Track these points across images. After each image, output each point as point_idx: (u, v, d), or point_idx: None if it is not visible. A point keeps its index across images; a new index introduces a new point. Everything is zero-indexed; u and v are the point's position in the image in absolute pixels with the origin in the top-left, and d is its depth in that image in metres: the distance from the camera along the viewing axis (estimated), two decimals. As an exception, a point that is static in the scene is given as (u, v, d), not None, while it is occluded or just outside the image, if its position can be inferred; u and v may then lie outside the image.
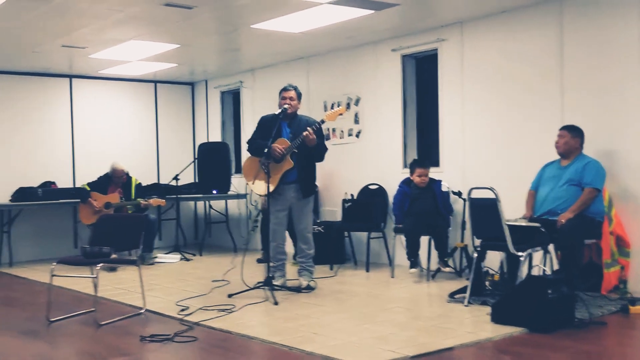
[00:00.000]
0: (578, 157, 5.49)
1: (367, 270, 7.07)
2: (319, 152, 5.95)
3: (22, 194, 8.43)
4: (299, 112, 6.09)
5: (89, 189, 8.13)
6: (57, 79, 9.27)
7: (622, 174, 5.62)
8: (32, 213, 8.73)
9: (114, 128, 9.69)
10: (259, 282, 5.89)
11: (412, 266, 6.37)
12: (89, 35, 6.98)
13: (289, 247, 6.47)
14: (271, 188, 5.84)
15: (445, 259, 6.36)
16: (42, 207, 8.57)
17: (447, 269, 6.34)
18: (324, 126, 6.13)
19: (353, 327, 4.65)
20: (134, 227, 5.62)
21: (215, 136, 10.12)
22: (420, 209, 6.47)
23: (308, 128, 5.74)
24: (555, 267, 5.38)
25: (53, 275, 5.15)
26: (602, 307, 4.94)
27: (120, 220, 5.99)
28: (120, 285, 6.56)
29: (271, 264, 5.97)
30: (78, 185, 8.96)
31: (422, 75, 7.59)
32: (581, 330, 4.43)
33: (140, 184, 8.44)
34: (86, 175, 8.82)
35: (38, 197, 8.41)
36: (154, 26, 6.67)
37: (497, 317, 4.62)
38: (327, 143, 6.28)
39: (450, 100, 6.99)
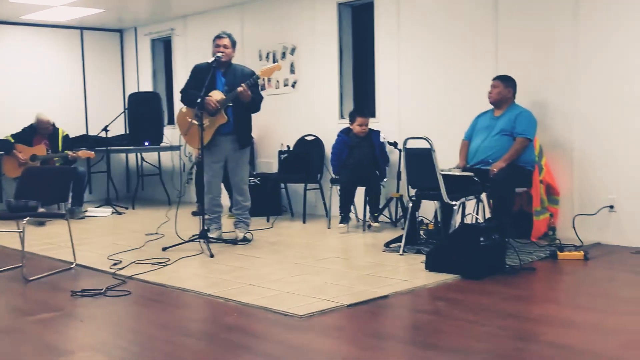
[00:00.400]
0: (510, 107, 5.57)
1: (304, 222, 7.08)
2: (255, 103, 5.84)
3: (-62, 145, 8.01)
4: (233, 61, 5.94)
5: (13, 140, 7.79)
6: (-25, 25, 8.76)
7: (552, 124, 5.74)
8: (-49, 165, 8.32)
9: (38, 77, 9.26)
10: (194, 235, 5.80)
11: (342, 221, 6.34)
12: (8, -23, 6.59)
13: (224, 199, 6.38)
14: (206, 140, 5.71)
15: (376, 214, 6.37)
16: (-39, 159, 8.17)
17: (376, 224, 6.32)
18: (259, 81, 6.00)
19: (289, 278, 4.65)
20: (62, 180, 5.42)
21: (146, 86, 9.81)
22: (357, 160, 6.44)
23: (242, 84, 5.61)
24: (488, 215, 5.49)
25: (-24, 231, 4.93)
26: (532, 254, 5.09)
27: (47, 172, 5.78)
28: (48, 240, 6.35)
29: (206, 217, 5.89)
30: (1, 137, 8.56)
31: (359, 24, 7.51)
32: (512, 276, 4.56)
33: (67, 135, 8.14)
34: (9, 127, 8.40)
35: (-44, 149, 8.01)
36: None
37: (431, 265, 4.70)
38: (262, 93, 6.16)
39: (386, 50, 6.95)
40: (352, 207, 6.54)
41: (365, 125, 6.49)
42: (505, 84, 5.58)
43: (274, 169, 7.86)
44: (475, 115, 5.82)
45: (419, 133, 5.47)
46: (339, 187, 6.57)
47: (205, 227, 5.71)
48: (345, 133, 6.63)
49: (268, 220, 7.17)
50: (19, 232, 4.95)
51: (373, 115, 6.97)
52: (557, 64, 5.70)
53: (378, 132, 6.63)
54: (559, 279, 4.70)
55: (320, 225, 6.87)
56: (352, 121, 6.55)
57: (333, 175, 6.72)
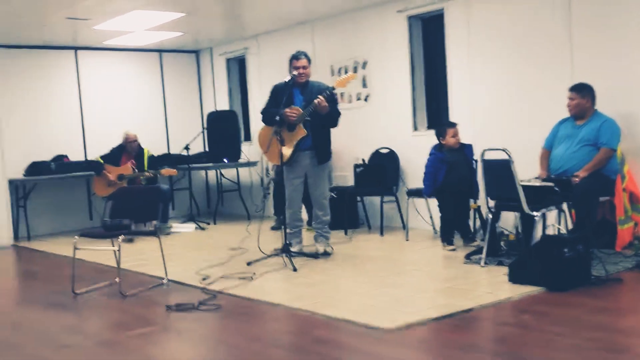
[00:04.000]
0: (593, 116, 5.49)
1: (382, 234, 7.15)
2: (332, 118, 5.96)
3: (35, 168, 8.50)
4: (310, 79, 6.10)
5: (102, 161, 8.20)
6: (63, 52, 9.24)
7: (634, 132, 5.63)
8: (46, 187, 8.80)
9: (121, 99, 9.69)
10: (276, 249, 5.97)
11: (450, 243, 6.12)
12: (92, 7, 6.95)
13: (304, 213, 6.53)
14: (286, 157, 5.88)
15: (470, 236, 6.24)
16: (55, 180, 8.64)
17: (475, 244, 6.08)
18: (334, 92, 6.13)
19: (372, 290, 4.74)
20: (152, 199, 5.71)
21: (223, 104, 10.12)
22: (458, 179, 6.13)
23: (319, 96, 5.76)
24: (570, 226, 5.43)
25: (76, 249, 5.24)
26: (618, 264, 5.01)
27: (137, 192, 6.07)
28: (140, 256, 6.66)
29: (288, 231, 6.04)
30: (90, 157, 9.01)
31: (429, 36, 7.56)
32: (598, 287, 4.51)
33: (152, 155, 8.51)
34: (97, 148, 8.87)
35: (51, 171, 8.48)
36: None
37: (515, 277, 4.69)
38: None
39: (458, 61, 6.97)
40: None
41: (458, 134, 6.26)
42: (582, 94, 5.52)
43: (350, 182, 7.97)
44: (552, 124, 5.77)
45: (495, 143, 5.47)
46: (440, 214, 6.30)
47: (288, 242, 5.87)
48: (437, 150, 6.32)
49: (346, 234, 7.28)
50: (115, 249, 5.23)
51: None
52: (635, 68, 5.60)
53: (470, 145, 6.35)
54: (647, 289, 4.62)
55: (398, 237, 6.94)
56: (442, 135, 6.26)
57: (426, 197, 6.48)
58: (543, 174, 5.57)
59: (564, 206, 5.35)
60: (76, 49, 9.32)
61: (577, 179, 5.20)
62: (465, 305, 4.20)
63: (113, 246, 5.35)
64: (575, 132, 5.50)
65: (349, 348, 3.66)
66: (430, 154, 6.36)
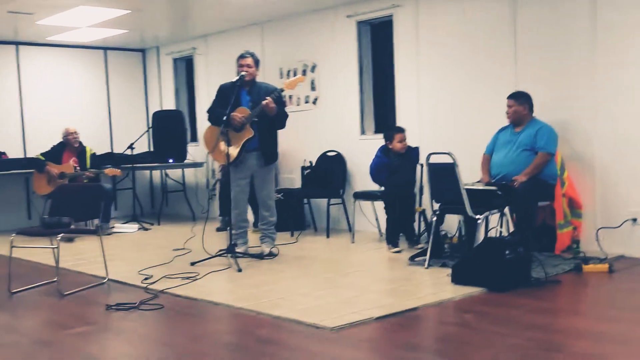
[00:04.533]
0: (530, 123, 5.65)
1: (328, 236, 7.16)
2: (280, 119, 5.96)
3: (-29, 164, 8.21)
4: (257, 79, 6.07)
5: (43, 158, 7.98)
6: (3, 46, 8.97)
7: (573, 138, 5.81)
8: (-18, 184, 8.52)
9: (64, 96, 9.46)
10: (221, 250, 5.91)
11: (395, 245, 6.16)
12: (35, 0, 6.77)
13: (250, 214, 6.49)
14: (232, 157, 5.83)
15: (415, 238, 6.32)
16: (-8, 177, 8.37)
17: (419, 246, 6.14)
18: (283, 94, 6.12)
19: (317, 291, 4.74)
20: (93, 197, 5.58)
21: (169, 104, 9.98)
22: (400, 182, 6.22)
23: (267, 97, 5.74)
24: (511, 229, 5.55)
25: (13, 247, 5.07)
26: (557, 266, 5.14)
27: (78, 190, 5.92)
28: (79, 255, 6.49)
29: (233, 232, 5.99)
30: (29, 155, 8.75)
31: (378, 42, 7.63)
32: (538, 288, 4.61)
33: (94, 153, 8.32)
34: (37, 145, 8.63)
35: (-12, 168, 8.20)
36: (105, -9, 6.51)
37: (457, 278, 4.76)
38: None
39: (406, 66, 7.06)
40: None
41: (405, 140, 6.31)
42: (519, 102, 5.67)
43: (297, 184, 7.97)
44: (495, 130, 5.90)
45: (440, 148, 5.57)
46: (386, 215, 6.29)
47: (233, 242, 5.81)
48: (383, 153, 6.37)
49: (292, 235, 7.27)
50: (54, 247, 5.08)
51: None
52: (576, 79, 5.78)
53: (417, 148, 6.42)
54: (585, 291, 4.75)
55: (344, 239, 6.96)
56: (389, 139, 6.31)
57: (380, 188, 6.51)
58: (485, 178, 5.68)
59: (506, 210, 5.47)
60: (17, 44, 9.06)
61: (516, 183, 5.32)
62: (409, 305, 4.23)
63: (52, 244, 5.19)
64: (513, 138, 5.65)
65: (293, 347, 3.64)
66: (375, 156, 6.42)
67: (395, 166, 6.27)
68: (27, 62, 9.17)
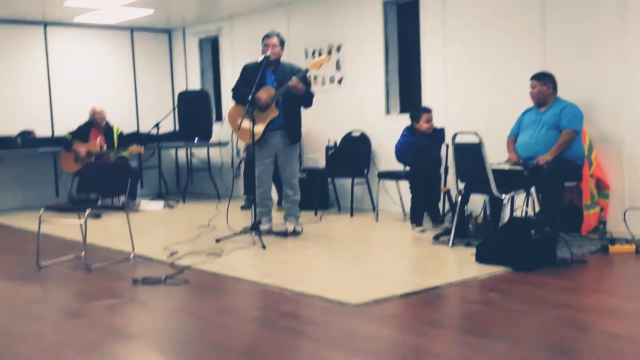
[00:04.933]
0: (554, 103, 5.59)
1: (352, 215, 7.17)
2: (307, 99, 5.96)
3: (1, 142, 8.32)
4: (282, 60, 6.07)
5: (70, 137, 8.08)
6: (31, 27, 9.06)
7: (602, 119, 5.72)
8: (12, 162, 8.64)
9: (91, 76, 9.54)
10: (245, 227, 5.94)
11: (419, 224, 6.20)
12: (64, -20, 6.83)
13: (273, 193, 6.51)
14: (257, 136, 5.85)
15: (439, 218, 6.30)
16: (21, 155, 8.49)
17: (444, 226, 6.15)
18: (308, 75, 6.11)
19: (341, 268, 4.76)
20: (120, 175, 5.63)
21: (194, 84, 10.02)
22: (426, 162, 6.20)
23: (293, 77, 5.74)
24: (537, 209, 5.50)
25: (41, 222, 5.15)
26: (583, 247, 5.09)
27: (106, 167, 6.00)
28: (106, 231, 6.58)
29: (258, 210, 6.02)
30: (57, 133, 8.86)
31: (404, 22, 7.57)
32: (563, 268, 4.57)
33: (122, 132, 8.41)
34: (65, 124, 8.73)
35: (17, 146, 8.31)
36: (133, -30, 6.54)
37: (482, 257, 4.74)
38: (309, 90, 6.27)
39: (432, 47, 6.99)
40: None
41: (432, 120, 6.29)
42: (543, 82, 5.60)
43: (321, 164, 7.98)
44: (521, 110, 5.84)
45: (466, 128, 5.52)
46: (411, 194, 6.29)
47: (257, 220, 5.85)
48: (410, 133, 6.33)
49: (316, 214, 7.28)
50: (81, 223, 5.15)
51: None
52: (605, 58, 5.67)
53: (442, 129, 6.39)
54: (611, 271, 4.70)
55: (368, 218, 6.96)
56: (416, 119, 6.27)
57: (405, 168, 6.48)
58: (513, 156, 5.63)
59: (532, 190, 5.42)
60: (45, 24, 9.14)
61: (541, 161, 5.28)
62: (433, 283, 4.23)
63: (79, 220, 5.27)
64: (538, 118, 5.59)
65: (317, 322, 3.67)
66: (401, 136, 6.38)
67: (422, 146, 6.24)
68: (54, 42, 9.25)
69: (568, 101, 5.56)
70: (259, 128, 5.88)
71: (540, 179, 5.28)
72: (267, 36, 5.97)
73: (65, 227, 6.15)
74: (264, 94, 5.82)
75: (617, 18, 5.57)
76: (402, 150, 6.33)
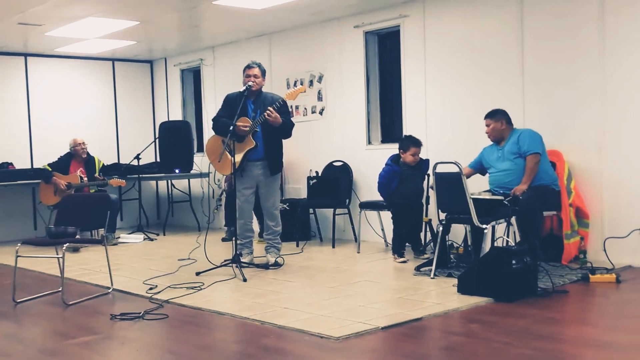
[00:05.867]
0: (511, 134, 5.68)
1: (333, 246, 7.15)
2: (286, 129, 5.95)
3: (-22, 175, 8.23)
4: (263, 89, 6.08)
5: (50, 169, 8.01)
6: (12, 58, 9.04)
7: (579, 147, 5.78)
8: (-11, 194, 8.55)
9: (72, 107, 9.52)
10: (226, 260, 5.89)
11: (400, 256, 6.15)
12: (45, 12, 6.82)
13: (254, 224, 6.47)
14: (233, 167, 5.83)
15: (421, 249, 6.30)
16: (-1, 188, 8.41)
17: (426, 256, 6.17)
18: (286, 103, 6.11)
19: (323, 301, 4.71)
20: (99, 207, 5.58)
21: (176, 115, 10.01)
22: (409, 192, 6.19)
23: (269, 108, 5.75)
24: (518, 238, 5.51)
25: (18, 256, 5.07)
26: (564, 277, 5.10)
27: (84, 200, 5.92)
28: (84, 265, 6.49)
29: (238, 242, 5.98)
30: (36, 165, 8.78)
31: (385, 52, 7.64)
32: (545, 298, 4.57)
33: (104, 164, 8.36)
34: (44, 156, 8.68)
35: (-5, 178, 8.22)
36: (112, 3, 6.54)
37: (463, 288, 4.73)
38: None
39: (413, 77, 7.05)
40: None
41: (418, 154, 6.26)
42: (495, 119, 5.69)
43: (303, 194, 7.96)
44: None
45: (447, 157, 5.55)
46: (393, 225, 6.29)
47: (238, 252, 5.80)
48: (394, 162, 6.32)
49: (298, 245, 7.25)
50: (59, 257, 5.08)
51: (397, 141, 6.97)
52: (585, 90, 5.75)
53: (427, 160, 6.35)
54: (592, 301, 4.71)
55: (350, 249, 6.93)
56: (404, 150, 6.24)
57: (384, 202, 6.42)
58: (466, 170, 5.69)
59: (513, 219, 5.44)
60: (26, 55, 9.12)
61: (517, 192, 5.31)
62: (414, 315, 4.20)
63: (57, 254, 5.19)
64: (500, 153, 5.67)
65: (299, 356, 3.62)
66: (386, 164, 6.35)
67: (405, 175, 6.23)
68: (35, 73, 9.23)
69: (523, 128, 5.69)
70: (237, 158, 5.86)
71: (519, 208, 5.30)
72: (248, 67, 5.99)
73: (43, 261, 6.06)
74: (241, 124, 5.81)
75: (597, 50, 5.66)
76: (386, 179, 6.28)
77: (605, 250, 5.52)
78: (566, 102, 5.87)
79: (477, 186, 5.76)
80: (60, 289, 5.10)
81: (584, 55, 5.75)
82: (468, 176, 5.80)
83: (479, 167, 5.87)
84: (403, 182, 6.22)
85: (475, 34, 6.49)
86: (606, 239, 5.56)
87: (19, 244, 5.13)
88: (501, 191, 5.54)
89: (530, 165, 5.44)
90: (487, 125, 5.72)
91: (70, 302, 4.92)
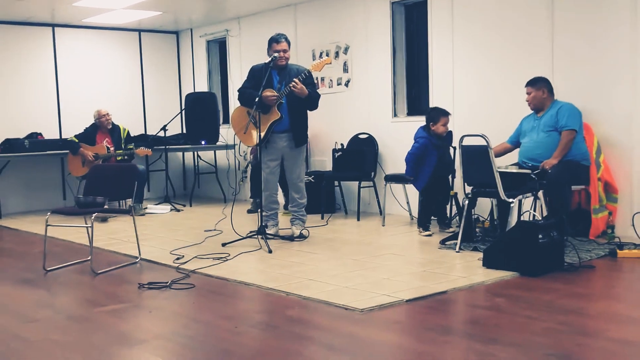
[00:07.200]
0: (551, 105, 5.58)
1: (358, 219, 7.15)
2: (312, 100, 5.93)
3: (8, 145, 8.34)
4: (289, 61, 6.05)
5: (77, 141, 8.09)
6: (40, 28, 9.09)
7: (609, 121, 5.68)
8: (19, 165, 8.67)
9: (98, 78, 9.57)
10: (251, 231, 5.94)
11: (426, 229, 6.11)
12: (73, -18, 6.84)
13: (279, 196, 6.49)
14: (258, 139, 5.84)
15: (447, 222, 6.28)
16: (29, 158, 8.51)
17: (451, 230, 6.13)
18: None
19: (347, 273, 4.73)
20: (127, 178, 5.63)
21: (202, 86, 10.03)
22: (443, 166, 6.09)
23: (294, 79, 5.72)
24: (545, 213, 5.46)
25: (48, 225, 5.16)
26: (591, 252, 5.05)
27: (112, 170, 5.98)
28: (113, 235, 6.59)
29: (264, 213, 6.01)
30: (65, 136, 8.89)
31: (412, 23, 7.54)
32: (571, 273, 4.54)
33: (129, 132, 8.42)
34: (72, 126, 8.77)
35: (25, 149, 8.32)
36: (140, -27, 6.54)
37: (489, 262, 4.71)
38: (316, 92, 6.24)
39: (440, 47, 6.96)
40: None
41: (448, 124, 6.10)
42: (537, 87, 5.59)
43: (328, 167, 7.96)
44: (529, 111, 5.80)
45: (474, 130, 5.50)
46: (420, 198, 6.19)
47: (263, 224, 5.83)
48: (426, 133, 6.09)
49: (322, 218, 7.27)
50: (88, 226, 5.15)
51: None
52: (615, 62, 5.63)
53: (450, 132, 6.23)
54: (619, 276, 4.66)
55: (374, 222, 6.94)
56: (434, 121, 6.04)
57: (409, 177, 6.19)
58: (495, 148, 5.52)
59: (540, 193, 5.39)
60: (54, 26, 9.16)
61: (546, 166, 5.25)
62: (439, 288, 4.21)
63: (86, 224, 5.27)
64: (536, 123, 5.59)
65: (323, 328, 3.65)
66: (421, 137, 6.07)
67: (439, 148, 6.09)
68: (63, 44, 9.28)
69: (564, 102, 5.56)
70: (262, 131, 5.86)
71: (547, 182, 5.24)
72: (275, 40, 5.94)
73: (72, 230, 6.16)
74: (270, 94, 5.80)
75: (629, 20, 5.52)
76: (420, 152, 5.99)
77: (633, 225, 5.45)
78: (596, 77, 5.75)
79: (504, 160, 5.70)
80: (89, 258, 5.19)
81: (614, 30, 5.62)
82: (505, 153, 5.74)
83: (518, 142, 5.76)
84: (437, 155, 6.05)
85: (505, 7, 6.37)
86: (635, 214, 5.49)
87: (48, 213, 5.21)
88: (530, 164, 5.48)
89: (564, 140, 5.36)
90: (528, 94, 5.62)
91: (99, 271, 5.01)
